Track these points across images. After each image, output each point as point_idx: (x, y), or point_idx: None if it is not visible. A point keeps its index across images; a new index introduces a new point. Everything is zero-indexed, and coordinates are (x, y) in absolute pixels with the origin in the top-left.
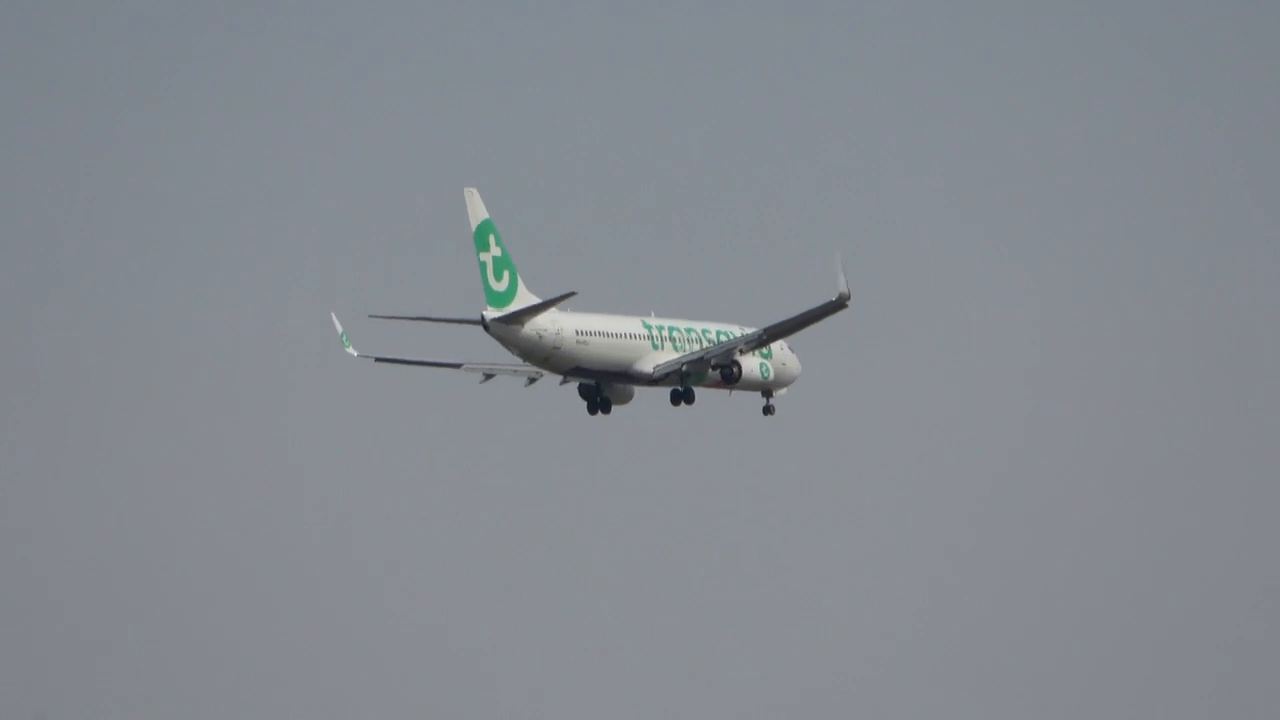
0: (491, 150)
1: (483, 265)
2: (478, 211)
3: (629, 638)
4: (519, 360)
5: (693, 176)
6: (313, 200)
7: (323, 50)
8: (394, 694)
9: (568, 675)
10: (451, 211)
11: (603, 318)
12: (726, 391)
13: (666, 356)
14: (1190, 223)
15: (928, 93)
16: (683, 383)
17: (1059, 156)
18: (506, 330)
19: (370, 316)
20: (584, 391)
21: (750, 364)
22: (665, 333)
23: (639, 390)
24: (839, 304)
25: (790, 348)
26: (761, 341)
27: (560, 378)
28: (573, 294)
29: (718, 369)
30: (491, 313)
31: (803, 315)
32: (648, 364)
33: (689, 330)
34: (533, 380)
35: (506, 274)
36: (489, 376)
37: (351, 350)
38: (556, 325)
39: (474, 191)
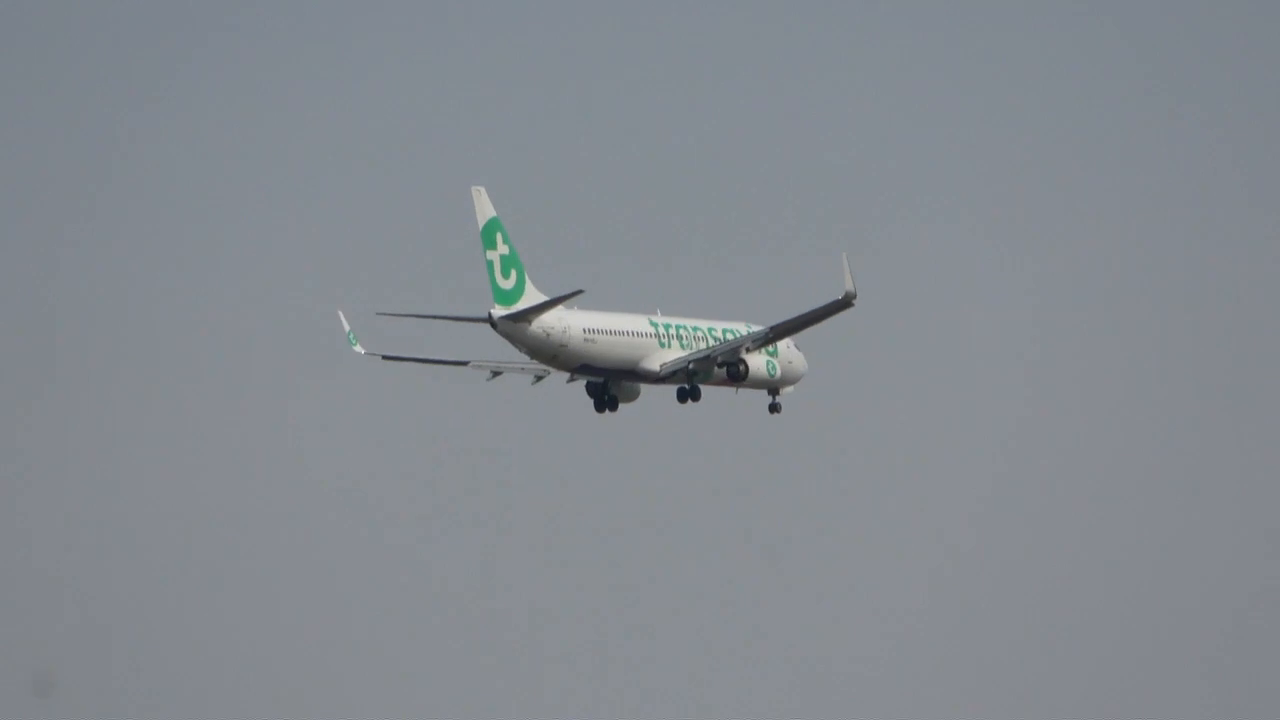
0: (499, 148)
1: (490, 263)
2: (485, 209)
3: (636, 634)
4: (526, 358)
5: (700, 175)
6: (320, 198)
7: (331, 48)
8: (398, 689)
9: (573, 671)
10: (459, 209)
11: (610, 316)
12: (733, 389)
13: (673, 354)
14: (1193, 222)
15: (934, 92)
16: (689, 381)
17: (1066, 155)
18: (514, 328)
19: (378, 314)
20: (591, 389)
21: (757, 362)
22: (672, 331)
23: (646, 388)
24: (845, 302)
25: (796, 346)
26: (768, 340)
27: (567, 375)
28: (580, 292)
29: (724, 367)
30: (499, 311)
31: (809, 314)
32: (654, 362)
33: (696, 328)
34: (540, 378)
35: (514, 272)
36: (496, 374)
37: (359, 348)
38: (564, 323)
39: (481, 190)
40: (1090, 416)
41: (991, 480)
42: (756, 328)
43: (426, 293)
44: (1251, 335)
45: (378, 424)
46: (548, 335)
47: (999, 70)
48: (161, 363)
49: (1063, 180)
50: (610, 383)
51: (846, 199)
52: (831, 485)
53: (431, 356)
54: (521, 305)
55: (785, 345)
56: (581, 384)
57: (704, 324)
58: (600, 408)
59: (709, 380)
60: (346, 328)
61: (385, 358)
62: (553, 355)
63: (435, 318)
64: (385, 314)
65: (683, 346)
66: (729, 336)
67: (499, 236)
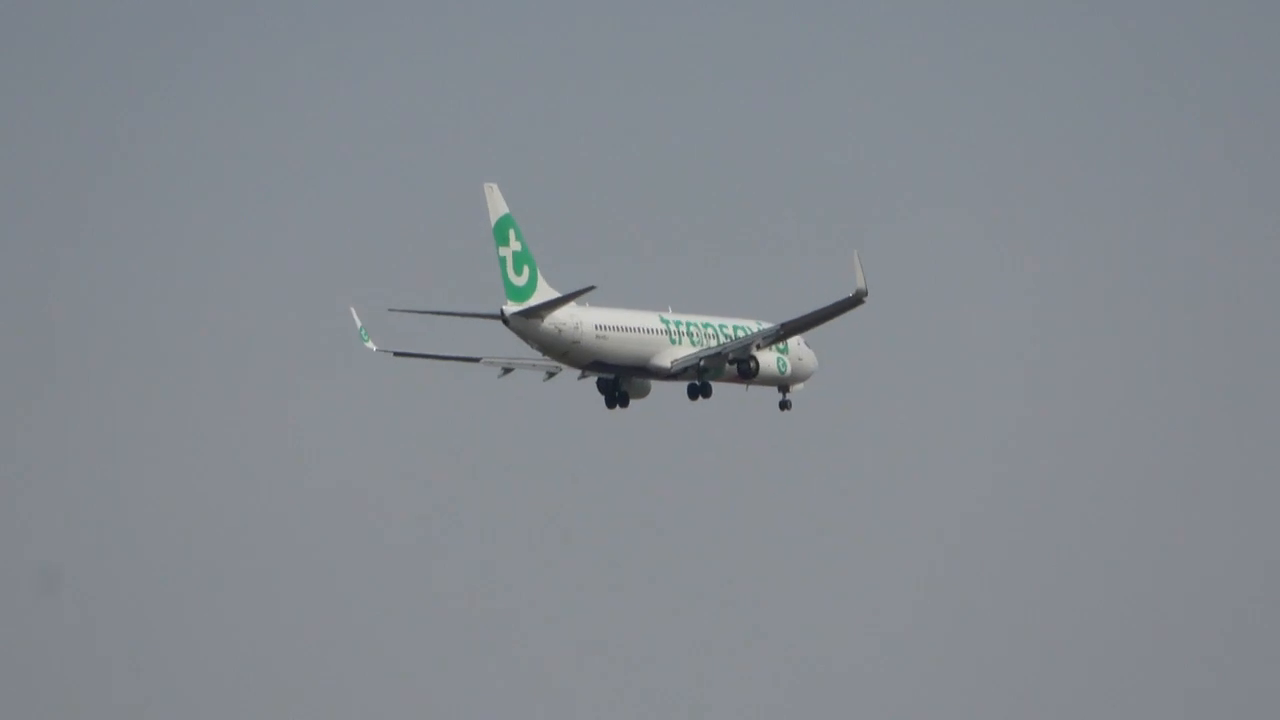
0: (512, 145)
1: (502, 260)
2: (498, 206)
3: (646, 630)
4: (538, 354)
5: (711, 173)
6: (333, 195)
7: (345, 45)
8: (408, 686)
9: (583, 667)
10: (472, 206)
11: (621, 312)
12: (743, 386)
13: (684, 351)
14: (1197, 223)
15: (937, 92)
16: (700, 377)
17: (1076, 153)
18: (526, 325)
19: (390, 311)
20: (602, 386)
21: (767, 359)
22: (683, 328)
23: (656, 385)
24: (856, 300)
25: (807, 343)
26: (778, 337)
27: (579, 372)
28: (592, 289)
29: (735, 364)
30: (511, 307)
31: (820, 311)
32: (665, 359)
33: (706, 325)
34: (551, 374)
35: (526, 269)
36: (508, 371)
37: (371, 345)
38: (576, 320)
39: (494, 186)
40: (1101, 413)
41: (1002, 477)
42: (767, 325)
43: (439, 289)
44: None
45: (389, 420)
46: (560, 332)
47: (1003, 70)
48: (174, 359)
49: (1076, 178)
50: (621, 379)
51: (857, 197)
52: (841, 482)
53: (443, 353)
54: (534, 302)
55: (796, 343)
56: (592, 380)
57: (715, 321)
58: (611, 404)
59: (719, 377)
60: (358, 324)
61: (397, 354)
62: (564, 352)
63: (447, 314)
64: (397, 310)
65: (694, 343)
66: (740, 334)
67: (511, 233)
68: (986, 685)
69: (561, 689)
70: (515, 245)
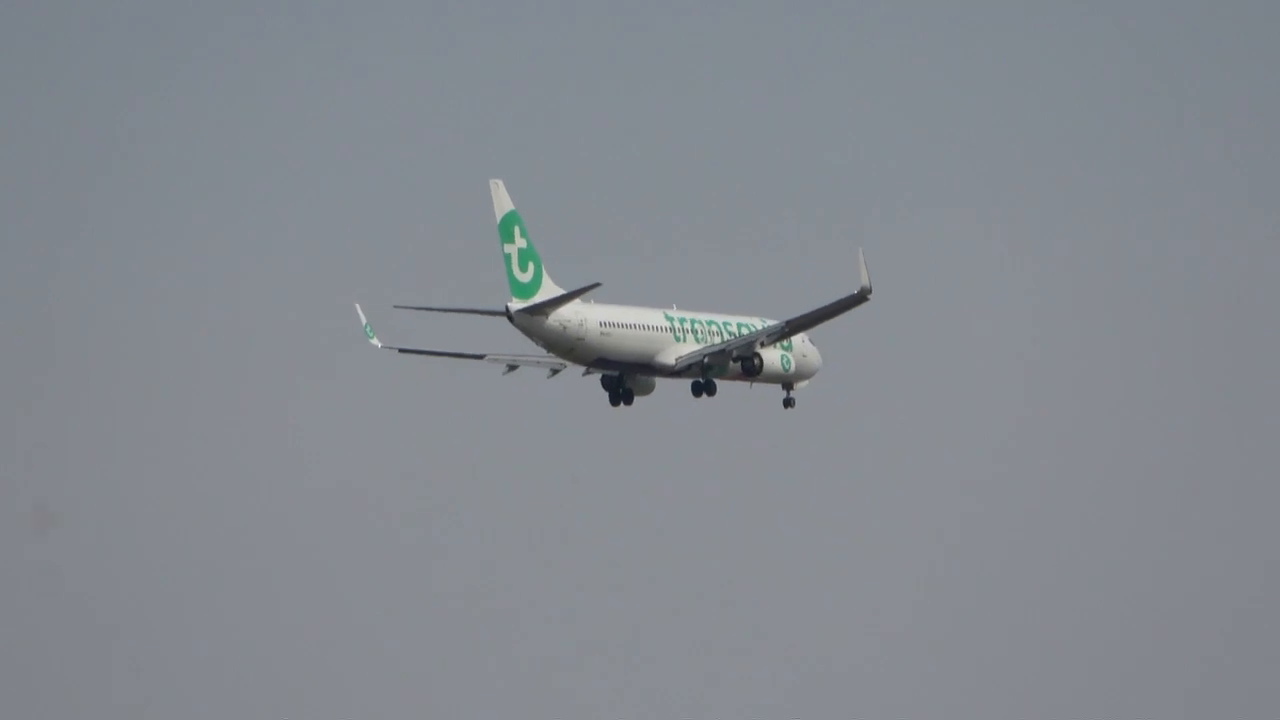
0: (517, 142)
1: (507, 257)
2: (503, 203)
3: (651, 627)
4: (543, 351)
5: (716, 171)
6: (338, 192)
7: (350, 42)
8: (414, 682)
9: (589, 664)
10: (477, 203)
11: (626, 310)
12: (747, 384)
13: (688, 348)
14: (1197, 223)
15: (939, 91)
16: (704, 374)
17: (1076, 153)
18: (531, 321)
19: (395, 307)
20: (606, 383)
21: (771, 356)
22: (687, 325)
23: (661, 382)
24: (860, 297)
25: (811, 341)
26: (783, 334)
27: (583, 369)
28: (597, 285)
29: (739, 361)
30: (516, 304)
31: (824, 308)
32: (670, 356)
33: (711, 323)
34: (556, 371)
35: (531, 265)
36: (512, 368)
37: (375, 341)
38: (580, 317)
39: (499, 183)
40: (1102, 411)
41: (1004, 475)
42: (771, 322)
43: (443, 286)
44: None
45: (394, 417)
46: (564, 328)
47: (1003, 70)
48: (179, 357)
49: (1069, 178)
50: (626, 376)
51: (861, 195)
52: (845, 480)
53: (448, 350)
54: (539, 299)
55: (800, 340)
56: (597, 377)
57: (719, 318)
58: (615, 401)
59: (724, 374)
60: (363, 321)
61: (402, 351)
62: (569, 349)
63: (452, 311)
64: (402, 307)
65: (698, 341)
66: (744, 331)
67: (517, 230)
68: (988, 684)
69: (566, 687)
70: (520, 242)
